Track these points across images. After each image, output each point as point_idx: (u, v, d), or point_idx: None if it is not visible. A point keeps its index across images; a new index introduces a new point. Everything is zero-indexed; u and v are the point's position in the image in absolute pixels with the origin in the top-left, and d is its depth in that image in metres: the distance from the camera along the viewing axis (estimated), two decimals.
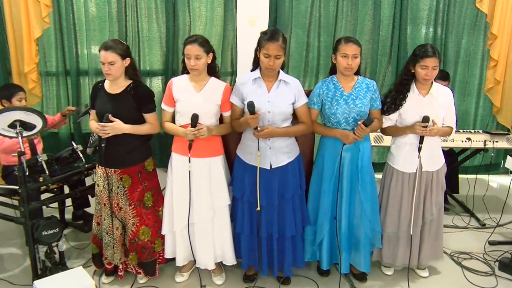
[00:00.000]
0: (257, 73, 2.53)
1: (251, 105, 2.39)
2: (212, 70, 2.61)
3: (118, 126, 2.49)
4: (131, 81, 2.59)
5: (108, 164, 2.57)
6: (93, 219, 2.74)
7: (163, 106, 2.62)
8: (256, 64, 2.57)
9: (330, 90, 2.61)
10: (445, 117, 2.67)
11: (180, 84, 2.58)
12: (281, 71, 2.54)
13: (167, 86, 2.61)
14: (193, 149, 2.48)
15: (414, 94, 2.64)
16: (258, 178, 2.51)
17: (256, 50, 2.52)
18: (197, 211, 2.62)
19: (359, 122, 2.49)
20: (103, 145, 2.50)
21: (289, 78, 2.57)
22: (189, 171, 2.54)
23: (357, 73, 2.64)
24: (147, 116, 2.60)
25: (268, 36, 2.41)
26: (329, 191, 2.64)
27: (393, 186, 2.72)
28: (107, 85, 2.59)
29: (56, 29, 4.48)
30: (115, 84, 2.56)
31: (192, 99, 2.53)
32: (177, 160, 2.63)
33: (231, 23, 4.50)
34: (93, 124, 2.63)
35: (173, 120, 2.66)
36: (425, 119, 2.53)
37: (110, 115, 2.47)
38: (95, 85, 2.66)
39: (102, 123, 2.46)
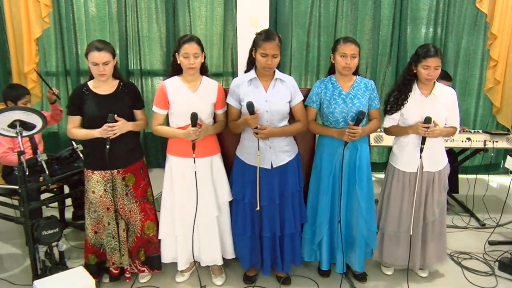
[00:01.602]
0: (252, 73, 2.54)
1: (250, 105, 2.39)
2: (204, 70, 2.62)
3: (124, 125, 2.49)
4: (118, 80, 2.59)
5: (113, 165, 2.54)
6: (89, 228, 2.64)
7: (156, 109, 2.57)
8: (250, 64, 2.57)
9: (328, 89, 2.61)
10: (449, 117, 2.66)
11: (174, 86, 2.55)
12: (276, 70, 2.55)
13: (158, 89, 2.56)
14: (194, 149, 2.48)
15: (416, 94, 2.63)
16: (258, 178, 2.51)
17: (251, 51, 2.53)
18: (203, 211, 2.61)
19: (349, 122, 2.50)
20: (108, 146, 2.44)
21: (284, 76, 2.57)
22: (195, 171, 2.52)
23: (356, 73, 2.64)
24: (138, 112, 2.64)
25: (264, 36, 2.43)
26: (328, 190, 2.64)
27: (394, 186, 2.72)
28: (94, 87, 2.54)
29: (56, 29, 4.48)
30: (106, 85, 2.55)
31: (189, 99, 2.52)
32: (177, 162, 2.61)
33: (231, 23, 4.50)
34: (79, 131, 2.52)
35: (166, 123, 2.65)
36: (427, 119, 2.53)
37: (115, 115, 2.45)
38: (78, 90, 2.56)
39: (111, 124, 2.43)
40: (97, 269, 2.73)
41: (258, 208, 2.53)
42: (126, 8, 4.49)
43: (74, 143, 3.13)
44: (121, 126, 2.47)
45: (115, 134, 2.45)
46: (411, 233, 2.69)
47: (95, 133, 2.46)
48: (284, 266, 2.74)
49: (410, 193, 2.68)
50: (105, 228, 2.63)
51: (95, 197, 2.58)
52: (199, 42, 2.49)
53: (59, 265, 2.69)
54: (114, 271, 2.73)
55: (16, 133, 2.52)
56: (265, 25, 4.20)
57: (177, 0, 4.47)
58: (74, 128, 2.55)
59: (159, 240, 2.73)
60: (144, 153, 2.77)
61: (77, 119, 2.55)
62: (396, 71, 4.64)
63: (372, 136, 3.65)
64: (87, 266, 2.67)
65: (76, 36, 4.57)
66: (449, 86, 2.91)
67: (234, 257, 2.79)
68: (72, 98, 2.58)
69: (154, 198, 2.82)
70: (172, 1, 4.48)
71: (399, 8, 4.51)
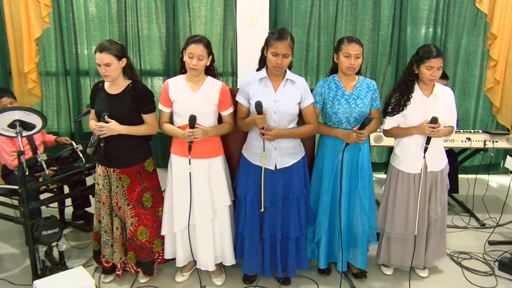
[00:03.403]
0: (263, 72, 2.52)
1: (258, 105, 2.38)
2: (210, 72, 2.61)
3: (113, 127, 2.49)
4: (130, 81, 2.59)
5: (108, 163, 2.57)
6: (94, 217, 2.74)
7: (161, 107, 2.61)
8: (262, 63, 2.56)
9: (331, 89, 2.61)
10: (447, 116, 2.66)
11: (176, 85, 2.57)
12: (288, 70, 2.53)
13: (163, 87, 2.60)
14: (193, 150, 2.48)
15: (417, 94, 2.63)
16: (263, 179, 2.50)
17: (263, 49, 2.51)
18: (197, 213, 2.61)
19: (354, 129, 2.50)
20: (102, 144, 2.51)
21: (295, 77, 2.55)
22: (190, 172, 2.53)
23: (358, 73, 2.63)
24: (146, 116, 2.59)
25: (277, 35, 2.40)
26: (329, 190, 2.64)
27: (399, 188, 2.71)
28: (106, 85, 2.59)
29: (56, 29, 4.48)
30: (115, 85, 2.56)
31: (189, 99, 2.52)
32: (176, 161, 2.62)
33: (231, 23, 4.50)
34: (92, 123, 2.64)
35: (171, 121, 2.66)
36: (434, 120, 2.52)
37: (106, 116, 2.47)
38: (95, 85, 2.67)
39: (100, 123, 2.47)
40: (100, 255, 2.78)
41: (262, 209, 2.52)
42: (126, 8, 4.48)
43: (74, 143, 3.13)
44: (110, 128, 2.48)
45: (103, 134, 2.47)
46: (415, 233, 2.69)
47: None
48: (289, 271, 2.71)
49: (415, 194, 2.68)
50: (102, 220, 2.69)
51: (99, 188, 2.67)
52: (207, 45, 2.48)
53: (59, 265, 2.70)
54: (106, 264, 2.76)
55: (16, 133, 2.52)
56: (265, 25, 4.20)
57: (177, 0, 4.48)
58: (92, 120, 2.68)
59: (152, 246, 2.71)
60: (148, 157, 2.72)
61: (94, 111, 2.66)
62: (396, 71, 4.64)
63: (372, 136, 3.65)
64: (93, 252, 2.83)
65: (76, 36, 4.56)
66: (445, 85, 2.91)
67: (234, 263, 2.77)
68: (90, 91, 2.71)
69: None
70: (172, 1, 4.48)
71: (399, 8, 4.51)
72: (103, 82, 2.62)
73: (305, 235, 2.70)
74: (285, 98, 2.49)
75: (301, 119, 2.61)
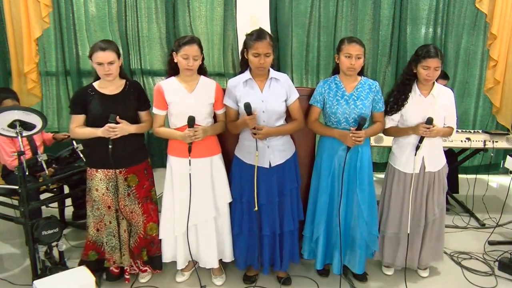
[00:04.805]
0: (247, 74, 2.53)
1: (247, 106, 2.39)
2: (202, 71, 2.61)
3: (125, 127, 2.48)
4: (124, 80, 2.59)
5: (116, 165, 2.52)
6: (91, 226, 2.65)
7: (155, 110, 2.56)
8: (244, 66, 2.56)
9: (332, 89, 2.61)
10: (446, 117, 2.66)
11: (170, 86, 2.55)
12: (271, 69, 2.54)
13: (156, 90, 2.55)
14: (192, 150, 2.48)
15: (415, 94, 2.63)
16: (255, 178, 2.51)
17: (242, 52, 2.52)
18: (201, 212, 2.61)
19: (351, 129, 2.49)
20: (110, 146, 2.44)
21: (278, 74, 2.56)
22: (190, 173, 2.53)
23: (361, 73, 2.62)
24: (144, 113, 2.62)
25: (255, 37, 2.42)
26: (326, 191, 2.64)
27: (394, 187, 2.72)
28: (100, 88, 2.53)
29: (56, 29, 4.48)
30: (113, 85, 2.54)
31: (186, 100, 2.51)
32: (176, 162, 2.60)
33: (231, 23, 4.51)
34: (83, 130, 2.51)
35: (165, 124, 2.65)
36: (429, 120, 2.52)
37: (117, 116, 2.45)
38: (83, 91, 2.57)
39: (112, 125, 2.42)
40: (97, 265, 2.72)
41: (256, 208, 2.53)
42: (126, 8, 4.48)
43: (74, 142, 3.12)
44: (123, 128, 2.47)
45: (116, 135, 2.45)
46: (408, 232, 2.69)
47: (98, 132, 2.46)
48: (283, 265, 2.73)
49: (411, 194, 2.68)
50: (106, 226, 2.63)
51: (98, 195, 2.58)
52: (199, 45, 2.49)
53: (59, 265, 2.69)
54: (115, 270, 2.73)
55: (16, 133, 2.52)
56: (265, 25, 4.21)
57: (177, 0, 4.48)
58: (78, 127, 2.54)
59: (161, 239, 2.73)
60: (148, 153, 2.76)
61: (81, 118, 2.53)
62: (396, 71, 4.65)
63: (372, 137, 3.64)
64: (85, 263, 2.67)
65: (76, 36, 4.56)
66: (445, 85, 2.91)
67: (233, 259, 2.78)
68: (75, 98, 2.60)
69: (157, 197, 2.82)
70: (172, 1, 4.48)
71: (399, 8, 4.51)
72: (90, 86, 2.55)
73: (297, 228, 2.71)
74: (272, 96, 2.51)
75: (289, 117, 2.62)
